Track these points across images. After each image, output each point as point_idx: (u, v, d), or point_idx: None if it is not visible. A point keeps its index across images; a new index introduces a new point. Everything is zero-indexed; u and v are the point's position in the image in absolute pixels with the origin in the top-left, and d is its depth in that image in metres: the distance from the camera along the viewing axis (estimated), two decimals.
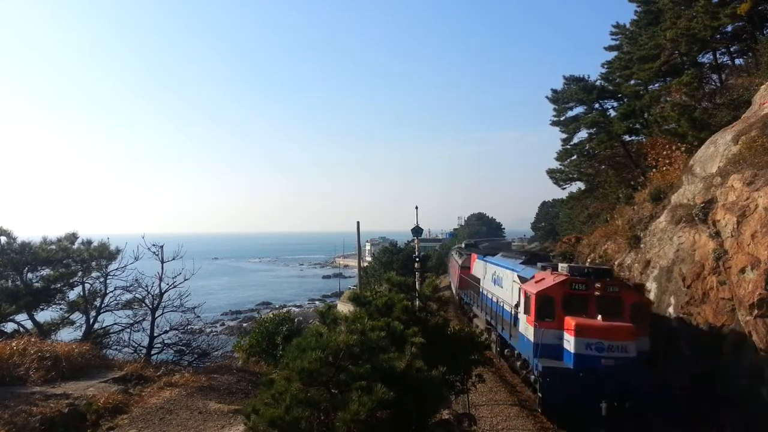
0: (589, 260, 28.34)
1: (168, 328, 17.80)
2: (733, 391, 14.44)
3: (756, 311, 14.72)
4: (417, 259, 27.38)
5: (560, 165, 43.71)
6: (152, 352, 17.27)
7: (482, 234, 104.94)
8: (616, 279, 16.68)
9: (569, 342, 13.78)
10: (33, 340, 13.72)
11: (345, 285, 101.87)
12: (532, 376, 15.29)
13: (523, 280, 17.42)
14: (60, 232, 18.17)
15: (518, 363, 17.56)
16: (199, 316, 19.05)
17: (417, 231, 28.35)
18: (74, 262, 17.57)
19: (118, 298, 17.94)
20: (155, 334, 17.40)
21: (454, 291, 42.28)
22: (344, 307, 18.64)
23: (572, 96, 40.93)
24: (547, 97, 43.25)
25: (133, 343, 17.48)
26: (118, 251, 17.98)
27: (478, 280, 27.87)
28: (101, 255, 17.77)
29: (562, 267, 16.48)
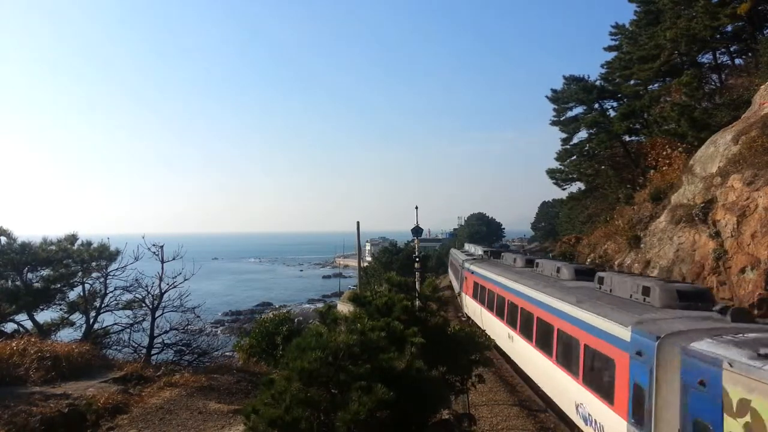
0: (588, 260, 28.36)
1: (168, 328, 17.79)
2: None
3: (756, 311, 14.73)
4: (417, 259, 27.35)
5: (560, 165, 43.77)
6: (152, 352, 17.26)
7: (482, 234, 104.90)
8: None
9: None
10: (33, 340, 13.71)
11: (345, 285, 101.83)
12: None
13: None
14: (60, 233, 18.20)
15: None
16: (199, 316, 19.04)
17: (417, 231, 28.35)
18: (74, 262, 17.57)
19: (118, 299, 17.94)
20: (155, 334, 17.39)
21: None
22: (344, 307, 18.64)
23: (572, 96, 40.99)
24: (547, 97, 43.32)
25: (133, 343, 17.47)
26: (118, 252, 17.97)
27: None
28: (101, 255, 17.77)
29: None
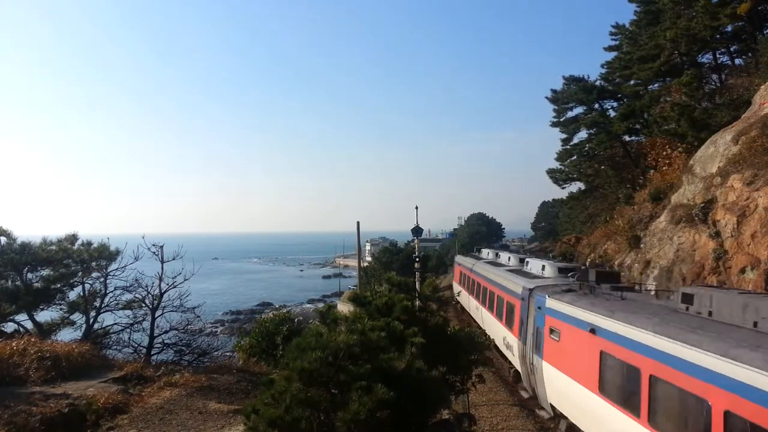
0: (588, 260, 28.38)
1: (168, 328, 17.79)
2: None
3: None
4: (417, 259, 27.34)
5: (560, 165, 43.83)
6: (152, 352, 17.26)
7: (482, 234, 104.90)
8: None
9: None
10: (33, 340, 13.70)
11: (345, 285, 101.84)
12: None
13: None
14: (60, 233, 18.19)
15: None
16: (199, 316, 19.04)
17: (417, 231, 28.34)
18: (74, 262, 17.56)
19: (118, 299, 17.93)
20: (155, 334, 17.39)
21: None
22: (344, 307, 18.64)
23: (572, 96, 41.02)
24: (546, 98, 43.34)
25: (133, 343, 17.47)
26: (118, 252, 17.97)
27: None
28: (101, 255, 17.76)
29: None
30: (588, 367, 11.49)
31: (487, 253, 31.95)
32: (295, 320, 21.42)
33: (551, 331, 13.73)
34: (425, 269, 37.37)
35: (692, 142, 25.52)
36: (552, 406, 14.01)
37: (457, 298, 33.35)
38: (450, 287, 46.24)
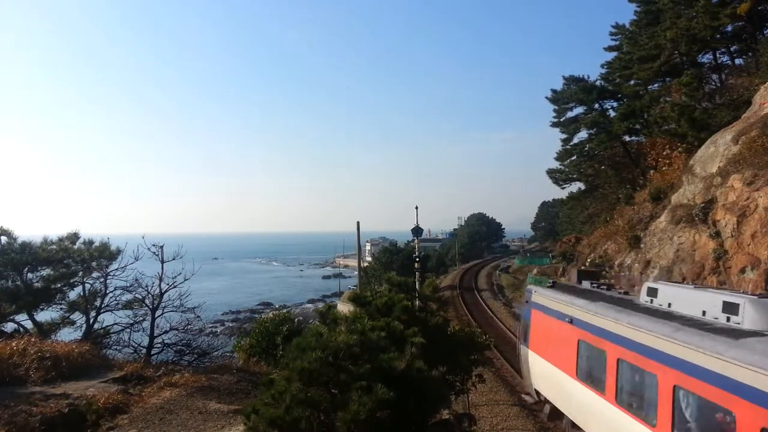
0: (588, 260, 28.38)
1: (168, 328, 17.79)
2: None
3: None
4: (417, 259, 27.34)
5: (560, 165, 43.86)
6: (152, 352, 17.25)
7: (482, 234, 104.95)
8: None
9: None
10: (33, 340, 13.69)
11: (345, 285, 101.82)
12: None
13: None
14: (61, 232, 18.19)
15: None
16: (199, 316, 19.03)
17: (417, 231, 28.34)
18: (74, 262, 17.54)
19: (118, 298, 17.92)
20: (155, 334, 17.38)
21: None
22: (344, 307, 18.62)
23: (572, 96, 41.05)
24: (547, 98, 43.36)
25: (133, 343, 17.46)
26: (118, 251, 17.96)
27: None
28: (102, 255, 17.75)
29: None
30: None
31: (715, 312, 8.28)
32: (295, 320, 21.39)
33: None
34: (425, 269, 37.37)
35: (692, 142, 25.53)
36: None
37: (548, 399, 13.37)
38: (450, 287, 45.78)
